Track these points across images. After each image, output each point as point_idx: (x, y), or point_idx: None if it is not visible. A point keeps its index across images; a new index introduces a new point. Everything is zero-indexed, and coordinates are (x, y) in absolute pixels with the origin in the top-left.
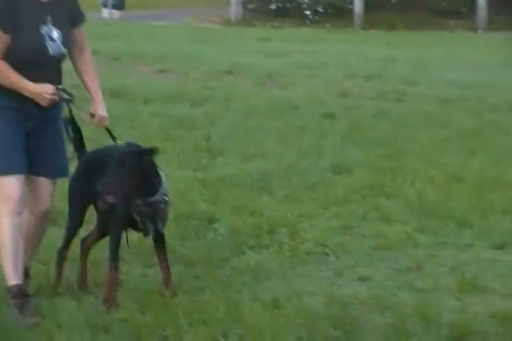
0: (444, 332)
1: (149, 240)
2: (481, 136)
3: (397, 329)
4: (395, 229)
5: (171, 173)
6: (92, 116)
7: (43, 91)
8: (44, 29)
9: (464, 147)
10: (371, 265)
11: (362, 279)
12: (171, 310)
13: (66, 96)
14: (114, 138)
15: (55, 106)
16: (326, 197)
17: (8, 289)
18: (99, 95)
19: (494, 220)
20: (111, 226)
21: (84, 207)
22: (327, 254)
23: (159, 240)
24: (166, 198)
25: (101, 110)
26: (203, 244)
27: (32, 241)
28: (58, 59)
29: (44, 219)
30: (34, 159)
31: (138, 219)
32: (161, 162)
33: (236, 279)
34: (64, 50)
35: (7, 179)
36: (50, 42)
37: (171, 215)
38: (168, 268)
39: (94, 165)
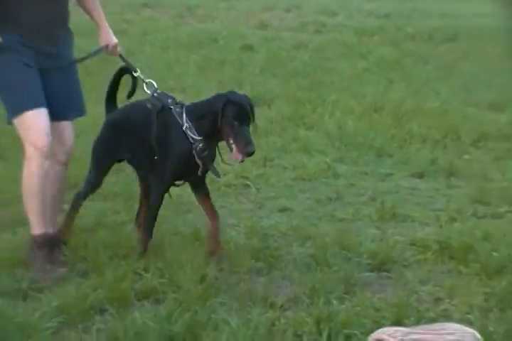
0: (364, 261)
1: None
2: (400, 66)
3: (318, 260)
4: (315, 160)
5: (88, 109)
6: (105, 46)
7: None
8: None
9: (383, 77)
10: (292, 196)
11: (283, 210)
12: (90, 245)
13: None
14: (130, 65)
15: (62, 43)
16: None
17: (33, 239)
18: (105, 21)
19: (413, 149)
20: (158, 181)
21: (108, 168)
22: (248, 186)
23: (205, 189)
24: None
25: (112, 37)
26: (122, 178)
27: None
28: None
29: (66, 165)
30: (54, 103)
31: (200, 164)
32: None
33: None
34: None
35: (32, 113)
36: None
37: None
38: (216, 216)
39: (122, 124)
